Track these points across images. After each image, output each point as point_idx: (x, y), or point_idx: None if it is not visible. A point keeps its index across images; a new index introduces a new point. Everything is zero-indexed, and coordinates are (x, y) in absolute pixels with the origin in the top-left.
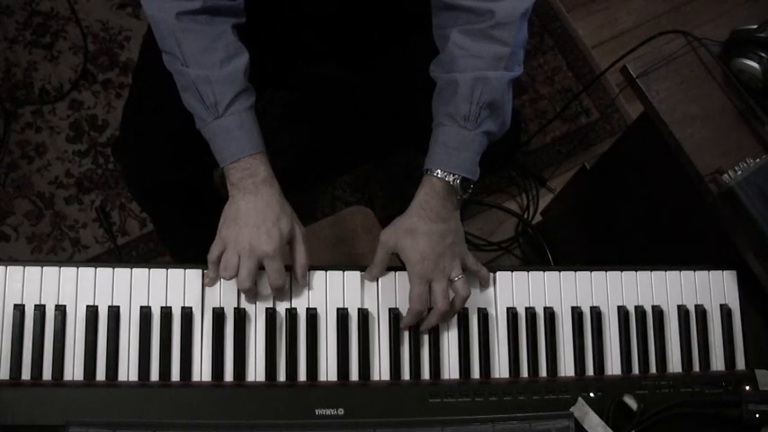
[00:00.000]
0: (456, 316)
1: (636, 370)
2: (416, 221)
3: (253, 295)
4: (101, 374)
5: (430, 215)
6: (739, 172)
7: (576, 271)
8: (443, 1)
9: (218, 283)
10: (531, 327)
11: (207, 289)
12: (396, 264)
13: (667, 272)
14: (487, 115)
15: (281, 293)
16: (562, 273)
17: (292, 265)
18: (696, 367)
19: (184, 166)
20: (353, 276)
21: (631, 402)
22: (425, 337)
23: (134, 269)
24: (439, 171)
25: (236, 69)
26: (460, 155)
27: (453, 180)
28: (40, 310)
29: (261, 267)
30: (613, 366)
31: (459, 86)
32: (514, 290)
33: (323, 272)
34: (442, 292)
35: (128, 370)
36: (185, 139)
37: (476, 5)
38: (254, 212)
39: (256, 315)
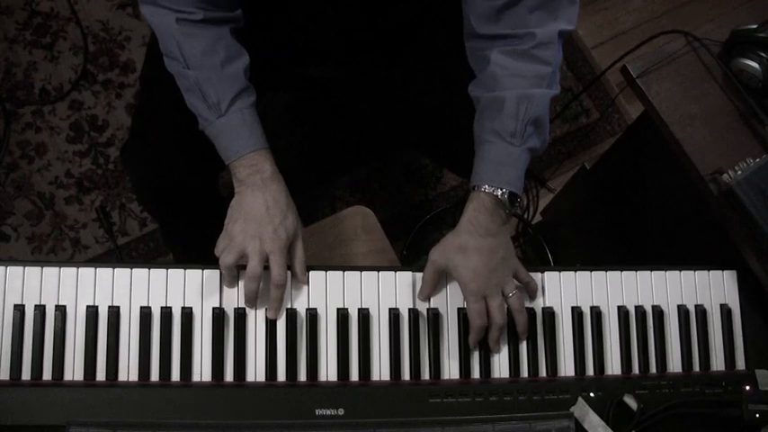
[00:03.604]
0: (456, 315)
1: (636, 370)
2: (466, 238)
3: (255, 291)
4: (101, 374)
5: (479, 230)
6: (739, 172)
7: (576, 271)
8: (479, 33)
9: (218, 283)
10: (531, 326)
11: (207, 289)
12: (395, 263)
13: (667, 272)
14: (533, 131)
15: (280, 292)
16: (562, 273)
17: (291, 263)
18: (696, 367)
19: (193, 170)
20: (353, 276)
21: (631, 402)
22: (425, 338)
23: (134, 269)
24: (486, 186)
25: (237, 69)
26: (508, 170)
27: (501, 194)
28: (40, 310)
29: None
30: (613, 366)
31: (506, 103)
32: None
33: (323, 272)
34: (497, 307)
35: (128, 370)
36: (193, 143)
37: (516, 32)
38: (262, 209)
39: (256, 315)
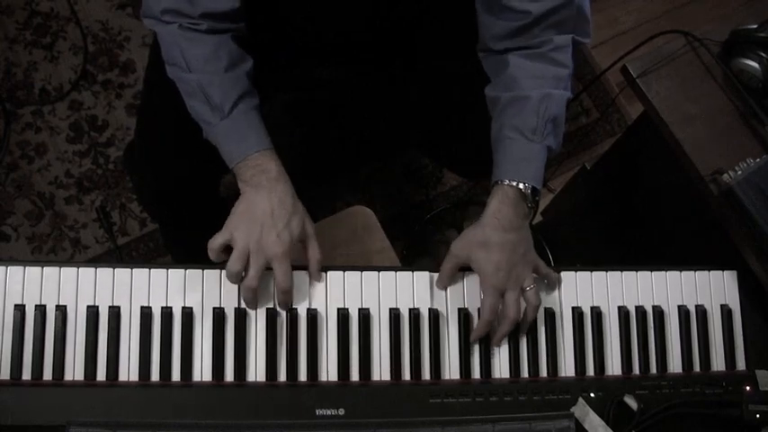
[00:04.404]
0: (456, 315)
1: (636, 370)
2: (490, 232)
3: (253, 297)
4: (101, 375)
5: (503, 224)
6: (739, 172)
7: (576, 271)
8: (495, 49)
9: (218, 283)
10: (532, 327)
11: (207, 289)
12: (395, 263)
13: (667, 272)
14: (552, 130)
15: (286, 297)
16: (562, 273)
17: (308, 263)
18: (696, 367)
19: (194, 172)
20: (354, 276)
21: (632, 402)
22: (426, 338)
23: (134, 269)
24: (510, 180)
25: (240, 73)
26: (530, 166)
27: (524, 188)
28: (40, 310)
29: (268, 268)
30: (614, 366)
31: (529, 101)
32: None
33: (323, 272)
34: (514, 302)
35: (128, 370)
36: (194, 146)
37: (532, 42)
38: (267, 210)
39: (257, 315)
